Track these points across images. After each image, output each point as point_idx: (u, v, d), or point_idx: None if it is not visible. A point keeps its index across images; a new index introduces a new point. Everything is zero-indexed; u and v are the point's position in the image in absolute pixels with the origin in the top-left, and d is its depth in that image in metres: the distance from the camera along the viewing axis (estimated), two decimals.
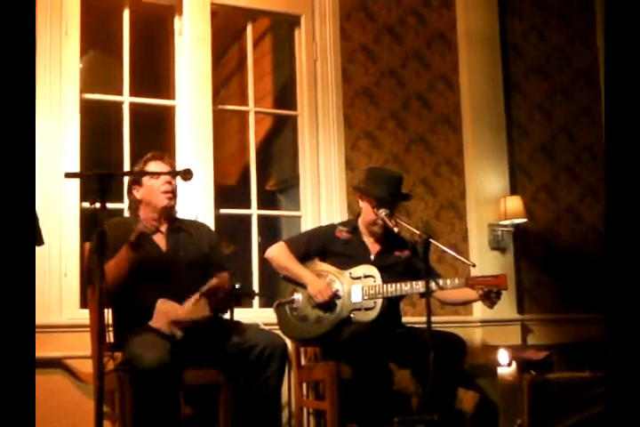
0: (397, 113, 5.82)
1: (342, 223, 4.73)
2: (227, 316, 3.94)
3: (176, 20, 5.34)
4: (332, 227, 4.69)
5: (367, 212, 4.52)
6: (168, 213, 4.08)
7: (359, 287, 4.37)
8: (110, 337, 3.57)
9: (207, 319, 3.74)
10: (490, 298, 4.22)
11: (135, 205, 4.12)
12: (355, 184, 5.03)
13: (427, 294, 3.96)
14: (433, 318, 3.84)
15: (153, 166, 4.05)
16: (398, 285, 4.32)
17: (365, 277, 4.41)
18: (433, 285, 4.21)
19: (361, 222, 4.61)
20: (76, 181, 4.71)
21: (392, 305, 4.50)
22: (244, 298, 3.96)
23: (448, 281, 4.34)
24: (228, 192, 6.26)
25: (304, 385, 4.80)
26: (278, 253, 4.54)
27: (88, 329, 3.99)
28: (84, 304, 4.53)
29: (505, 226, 5.87)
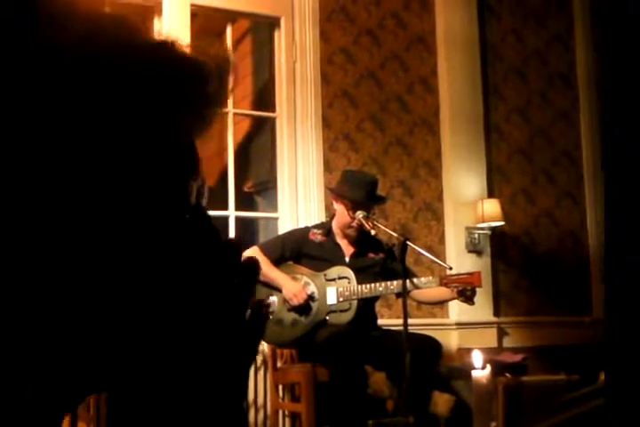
0: (376, 115, 5.82)
1: (316, 226, 4.73)
2: None
3: (155, 20, 5.33)
4: (306, 230, 4.69)
5: (342, 214, 4.53)
6: None
7: (334, 289, 4.38)
8: None
9: None
10: (465, 295, 4.24)
11: None
12: (330, 186, 5.04)
13: (403, 295, 3.97)
14: (409, 321, 3.85)
15: None
16: (373, 285, 4.34)
17: (340, 278, 4.42)
18: (408, 284, 4.21)
19: (335, 225, 4.61)
20: None
21: (367, 307, 4.51)
22: None
23: (423, 279, 4.36)
24: None
25: (280, 387, 4.80)
26: None
27: None
28: None
29: (482, 229, 5.89)
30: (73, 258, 0.63)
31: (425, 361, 4.15)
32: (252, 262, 0.76)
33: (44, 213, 0.62)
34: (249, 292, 0.73)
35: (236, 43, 6.40)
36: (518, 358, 5.08)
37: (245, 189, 7.29)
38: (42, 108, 0.62)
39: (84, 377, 0.67)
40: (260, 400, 4.80)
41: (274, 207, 5.66)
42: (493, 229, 5.93)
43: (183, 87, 0.68)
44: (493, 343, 5.78)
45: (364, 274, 4.46)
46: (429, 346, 4.34)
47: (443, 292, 4.41)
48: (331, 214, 4.82)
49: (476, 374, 3.32)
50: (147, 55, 0.67)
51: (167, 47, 0.70)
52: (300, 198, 5.45)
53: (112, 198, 0.65)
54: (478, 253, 5.90)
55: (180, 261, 0.69)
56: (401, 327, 3.89)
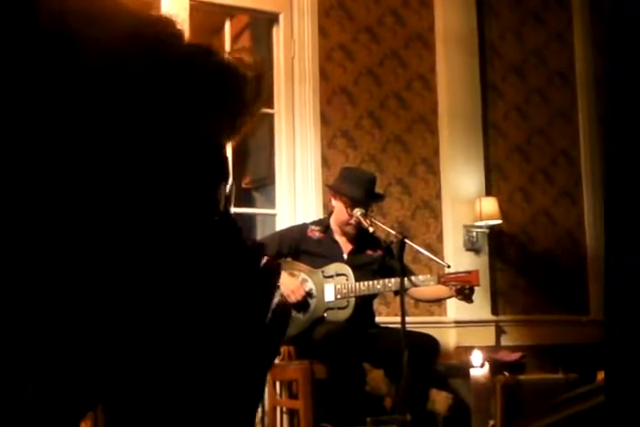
0: (374, 112, 5.80)
1: (314, 222, 4.72)
2: None
3: None
4: (304, 226, 4.68)
5: (340, 211, 4.52)
6: None
7: (332, 286, 4.37)
8: None
9: None
10: (463, 293, 4.24)
11: None
12: (328, 183, 5.02)
13: (401, 293, 3.96)
14: (407, 319, 3.84)
15: None
16: (371, 283, 4.33)
17: (338, 275, 4.41)
18: (406, 282, 4.20)
19: (333, 222, 4.60)
20: None
21: (365, 304, 4.49)
22: None
23: (420, 277, 4.35)
24: None
25: (277, 384, 4.79)
26: None
27: None
28: None
29: (480, 227, 5.87)
30: (99, 261, 0.62)
31: (423, 359, 4.14)
32: (272, 266, 0.74)
33: (72, 211, 0.60)
34: (269, 295, 0.72)
35: (235, 38, 6.37)
36: (516, 356, 5.06)
37: (243, 186, 7.28)
38: (73, 108, 0.61)
39: (99, 382, 0.65)
40: None
41: (272, 204, 5.65)
42: (491, 227, 5.91)
43: (219, 93, 0.67)
44: (491, 342, 5.77)
45: (361, 271, 4.45)
46: (427, 344, 4.33)
47: (441, 290, 4.41)
48: (329, 211, 4.81)
49: (474, 372, 3.32)
50: (184, 60, 0.66)
51: (207, 53, 0.69)
52: (298, 195, 5.43)
53: (141, 199, 0.63)
54: (476, 251, 5.89)
55: (202, 266, 0.68)
56: (399, 325, 3.88)
